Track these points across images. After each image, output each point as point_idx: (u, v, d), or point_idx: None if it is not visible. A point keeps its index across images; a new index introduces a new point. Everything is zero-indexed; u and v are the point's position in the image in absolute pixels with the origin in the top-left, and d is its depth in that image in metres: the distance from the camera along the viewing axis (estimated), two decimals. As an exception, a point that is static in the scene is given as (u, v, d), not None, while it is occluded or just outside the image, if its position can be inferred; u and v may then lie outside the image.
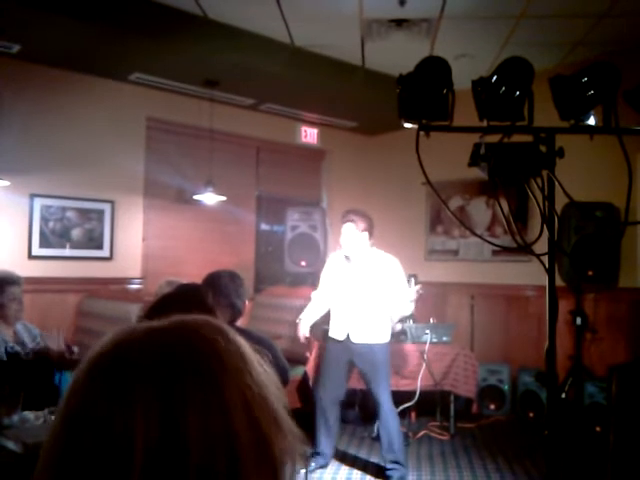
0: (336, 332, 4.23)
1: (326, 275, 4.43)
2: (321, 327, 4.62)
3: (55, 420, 0.60)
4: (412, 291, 4.28)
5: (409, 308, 4.31)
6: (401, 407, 4.99)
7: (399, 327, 5.05)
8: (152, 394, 0.56)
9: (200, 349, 0.61)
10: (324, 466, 4.33)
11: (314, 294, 4.50)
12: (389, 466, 4.12)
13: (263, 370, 0.67)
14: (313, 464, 4.27)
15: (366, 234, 4.18)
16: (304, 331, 4.43)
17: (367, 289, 4.17)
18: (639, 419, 2.64)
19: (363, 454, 4.71)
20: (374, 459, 4.57)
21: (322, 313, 4.43)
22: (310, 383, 4.96)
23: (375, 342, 4.14)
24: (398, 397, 4.62)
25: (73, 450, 0.56)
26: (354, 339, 4.15)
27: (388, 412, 4.15)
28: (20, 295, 3.51)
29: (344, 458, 4.60)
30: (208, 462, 0.55)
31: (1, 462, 2.66)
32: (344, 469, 4.40)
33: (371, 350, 4.13)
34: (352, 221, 4.17)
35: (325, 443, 4.29)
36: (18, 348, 3.41)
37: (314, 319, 4.47)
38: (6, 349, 3.32)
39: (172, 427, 0.55)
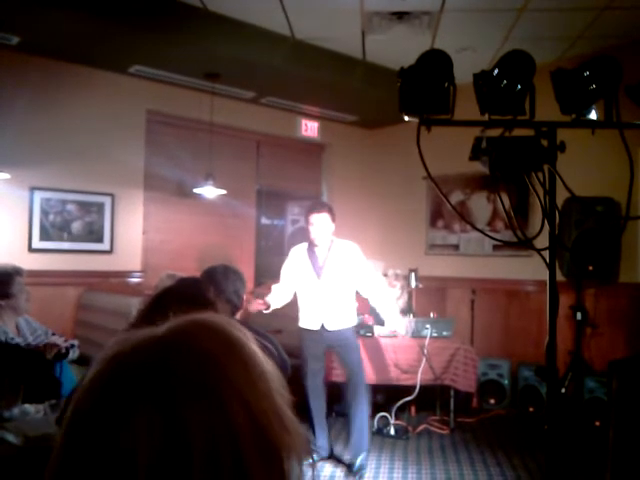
0: (310, 323, 4.34)
1: (289, 269, 4.46)
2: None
3: (60, 433, 0.61)
4: (380, 277, 4.45)
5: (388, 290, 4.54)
6: (401, 401, 5.01)
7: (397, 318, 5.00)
8: (153, 410, 0.56)
9: (197, 358, 0.61)
10: (325, 458, 4.38)
11: (274, 287, 4.49)
12: (355, 458, 4.22)
13: (267, 368, 0.67)
14: (315, 456, 4.32)
15: (333, 225, 4.30)
16: (265, 301, 4.34)
17: (336, 278, 4.28)
18: (639, 414, 2.64)
19: (363, 448, 4.72)
20: (374, 452, 4.58)
21: (281, 304, 4.44)
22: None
23: (346, 327, 4.33)
24: (398, 391, 4.64)
25: (77, 466, 0.57)
26: (328, 327, 4.28)
27: (364, 395, 4.29)
28: (25, 286, 3.53)
29: (343, 451, 4.61)
30: (213, 471, 0.56)
31: (1, 454, 2.67)
32: (344, 462, 4.41)
33: (344, 333, 4.31)
34: (327, 212, 4.26)
35: (322, 435, 4.40)
36: (18, 340, 3.41)
37: (276, 304, 4.43)
38: (6, 340, 3.32)
39: (175, 440, 0.56)
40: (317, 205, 4.39)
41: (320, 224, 4.23)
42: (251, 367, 0.64)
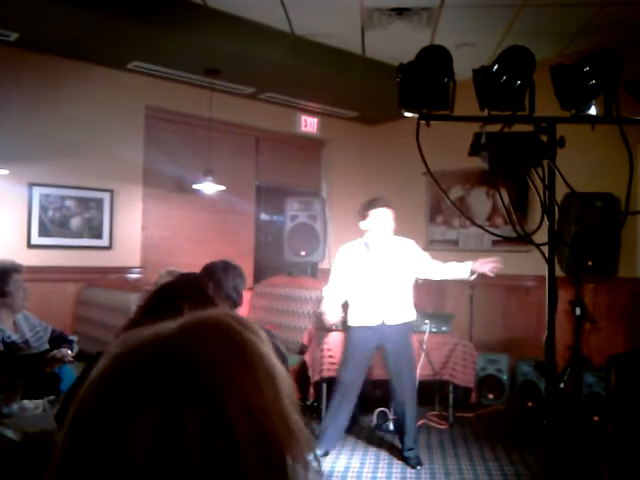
0: (368, 319, 4.25)
1: (343, 267, 4.36)
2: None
3: (62, 431, 0.61)
4: None
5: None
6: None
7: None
8: (151, 411, 0.57)
9: (200, 360, 0.61)
10: (325, 454, 4.36)
11: (327, 291, 4.43)
12: (408, 447, 4.30)
13: (277, 371, 0.66)
14: (317, 451, 4.31)
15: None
16: (335, 318, 4.34)
17: (398, 273, 4.26)
18: (637, 409, 2.64)
19: (362, 443, 4.72)
20: (373, 447, 4.59)
21: (340, 304, 4.39)
22: (309, 373, 4.97)
23: (408, 320, 4.32)
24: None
25: (76, 465, 0.58)
26: (390, 322, 4.23)
27: (414, 396, 4.31)
28: (23, 283, 3.51)
29: (343, 447, 4.62)
30: (210, 475, 0.56)
31: (0, 451, 2.67)
32: (343, 458, 4.41)
33: (404, 329, 4.30)
34: (391, 207, 4.28)
35: (332, 432, 4.35)
36: (15, 337, 3.40)
37: (338, 310, 4.38)
38: (3, 339, 3.31)
39: (172, 442, 0.56)
40: (381, 200, 4.31)
41: (387, 218, 4.23)
42: (258, 371, 0.63)
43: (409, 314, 4.34)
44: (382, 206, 4.25)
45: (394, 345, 4.26)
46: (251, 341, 0.66)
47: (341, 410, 4.31)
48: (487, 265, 4.26)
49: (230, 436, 0.58)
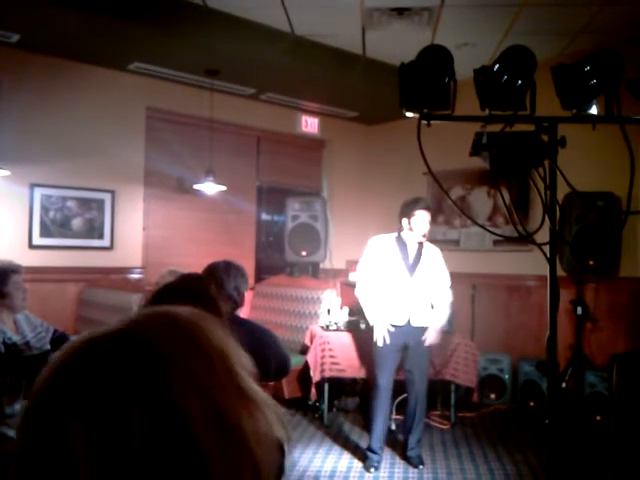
0: (395, 318, 4.22)
1: (374, 261, 4.29)
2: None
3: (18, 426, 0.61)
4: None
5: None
6: (402, 396, 5.01)
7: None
8: (94, 405, 0.56)
9: (145, 351, 0.61)
10: (380, 448, 4.30)
11: (361, 290, 4.33)
12: (411, 446, 4.30)
13: (232, 351, 0.66)
14: (372, 469, 4.20)
15: None
16: (385, 333, 4.18)
17: (426, 277, 4.26)
18: (639, 408, 2.64)
19: (364, 443, 4.72)
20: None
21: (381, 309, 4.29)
22: (311, 373, 4.97)
23: (428, 325, 4.29)
24: (398, 386, 4.65)
25: (26, 460, 0.58)
26: (415, 323, 4.22)
27: (425, 396, 4.34)
28: (23, 283, 3.50)
29: (345, 447, 4.63)
30: (160, 463, 0.56)
31: (3, 451, 2.67)
32: (345, 458, 4.42)
33: (424, 331, 4.27)
34: (430, 210, 4.29)
35: (382, 439, 4.31)
36: (16, 338, 3.40)
37: (381, 313, 4.25)
38: (4, 341, 3.31)
39: (114, 435, 0.55)
40: (423, 201, 4.31)
41: (426, 219, 4.22)
42: (208, 351, 0.64)
43: (430, 318, 4.30)
44: (425, 207, 4.25)
45: (416, 345, 4.24)
46: (201, 326, 0.66)
47: (383, 412, 4.26)
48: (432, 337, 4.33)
49: (180, 422, 0.57)
